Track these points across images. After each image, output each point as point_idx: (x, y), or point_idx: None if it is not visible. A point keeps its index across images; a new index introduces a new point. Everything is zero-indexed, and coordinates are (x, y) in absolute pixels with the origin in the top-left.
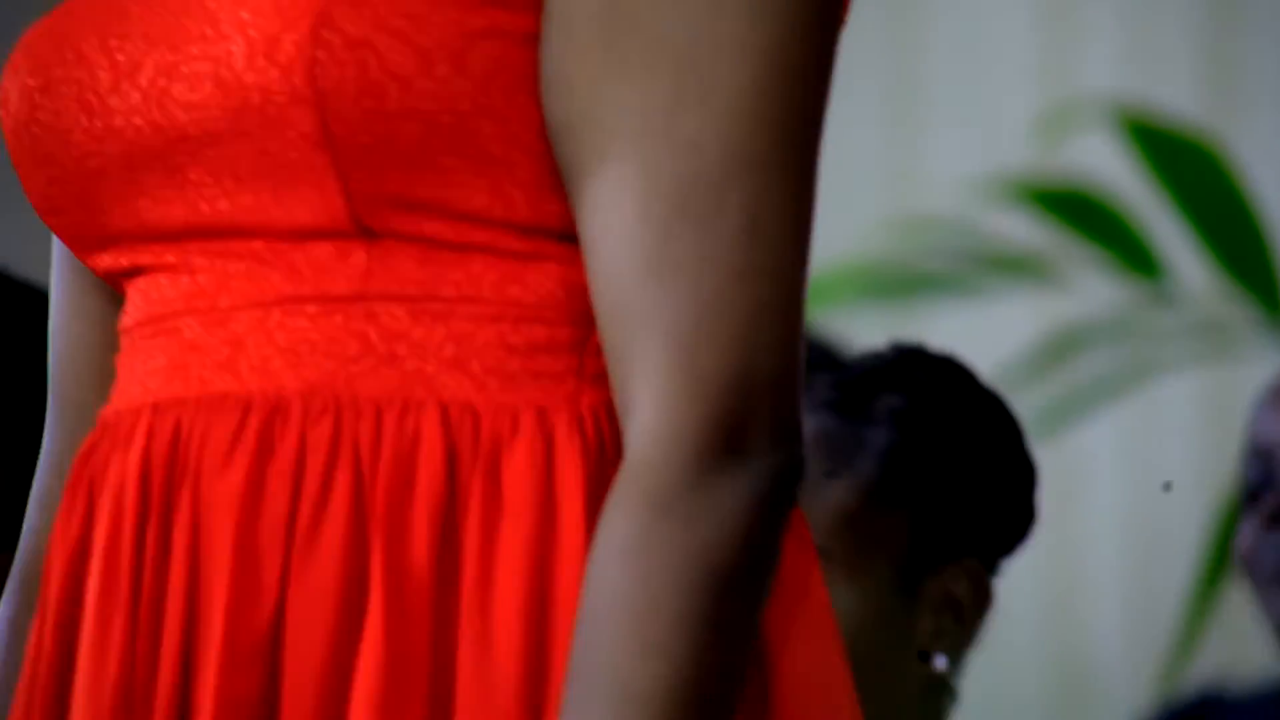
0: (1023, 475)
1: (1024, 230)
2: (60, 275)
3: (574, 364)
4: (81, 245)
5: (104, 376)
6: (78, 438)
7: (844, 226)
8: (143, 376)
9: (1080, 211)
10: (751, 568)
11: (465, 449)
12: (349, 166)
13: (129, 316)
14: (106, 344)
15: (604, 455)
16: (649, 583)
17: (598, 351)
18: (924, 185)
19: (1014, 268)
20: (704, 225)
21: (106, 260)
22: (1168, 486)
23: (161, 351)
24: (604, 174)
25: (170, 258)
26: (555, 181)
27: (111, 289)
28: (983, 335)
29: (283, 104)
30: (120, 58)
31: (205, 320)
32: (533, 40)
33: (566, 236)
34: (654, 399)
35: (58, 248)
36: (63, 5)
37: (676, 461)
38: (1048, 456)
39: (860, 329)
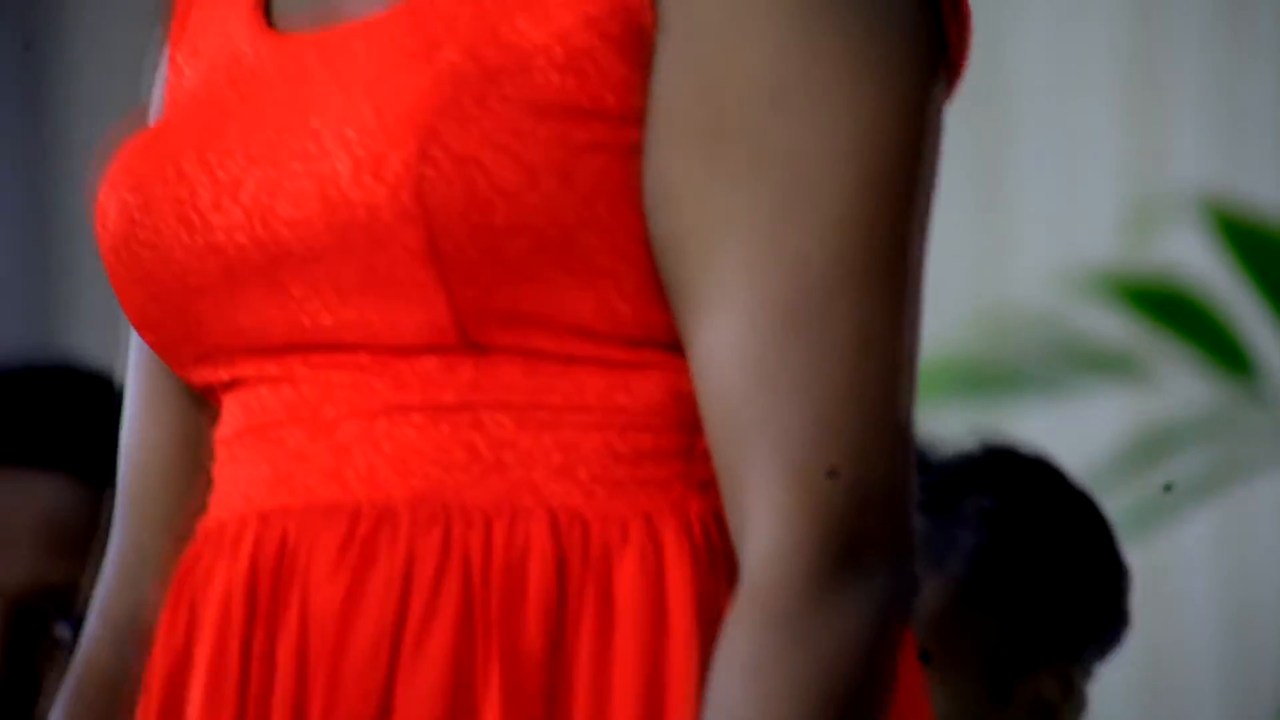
0: (1115, 576)
1: (1113, 326)
2: (137, 385)
3: (681, 471)
4: (178, 359)
5: (177, 486)
6: (144, 545)
7: (931, 322)
8: (246, 486)
9: (1170, 307)
10: (871, 683)
11: (575, 557)
12: (456, 282)
13: (228, 427)
14: (181, 453)
15: (713, 562)
16: (771, 702)
17: (704, 458)
18: (1011, 280)
19: (1103, 364)
20: (814, 338)
21: (204, 373)
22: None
23: (265, 461)
24: (711, 287)
25: (271, 369)
26: (660, 292)
27: (195, 400)
28: (1072, 433)
29: (389, 221)
30: (221, 174)
31: (309, 430)
32: (636, 152)
33: (671, 346)
34: (770, 516)
35: (134, 357)
36: (160, 122)
37: (796, 580)
38: (1139, 557)
39: (948, 426)
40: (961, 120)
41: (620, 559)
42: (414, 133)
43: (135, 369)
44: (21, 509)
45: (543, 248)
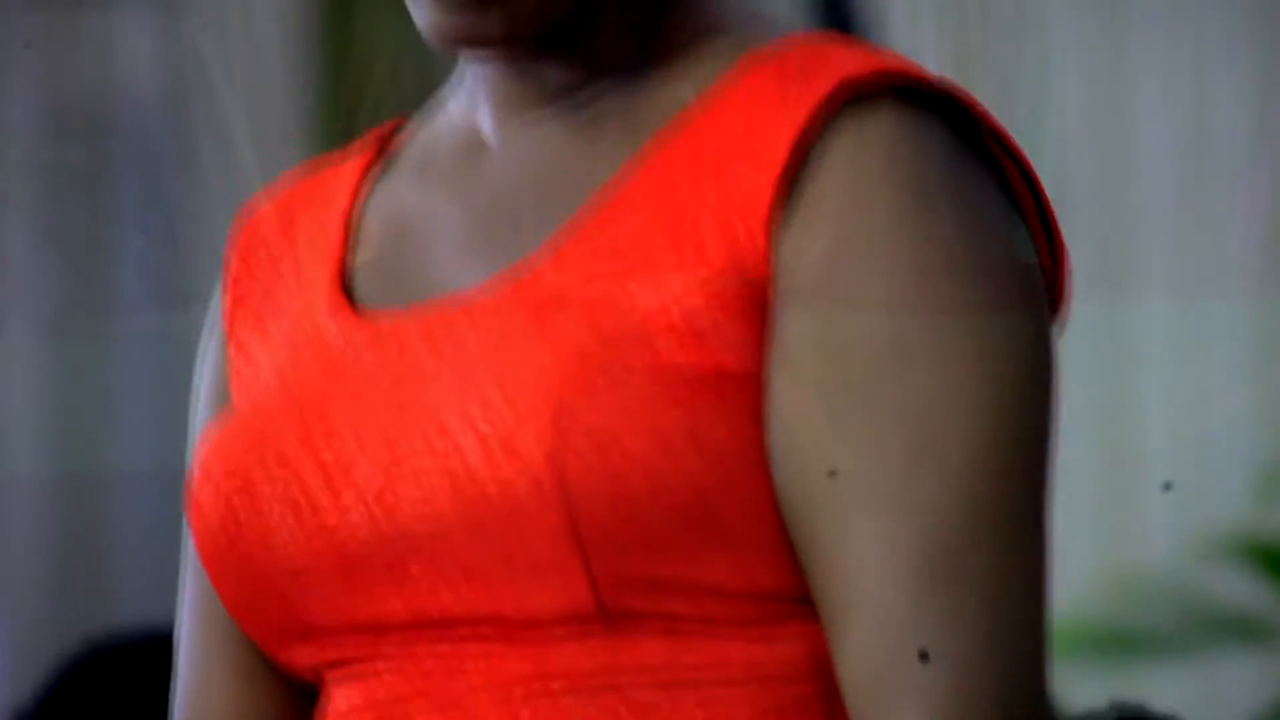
0: None
1: (1246, 590)
2: (204, 664)
3: None
4: (276, 640)
5: None
6: None
7: (1063, 584)
8: None
9: None
10: None
11: None
12: (595, 555)
13: (341, 703)
14: None
15: None
16: None
17: (845, 706)
18: (1142, 543)
19: (1237, 629)
20: (953, 591)
21: (306, 654)
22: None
23: None
24: (844, 545)
25: (386, 647)
26: (792, 547)
27: (279, 680)
28: (1206, 698)
29: (524, 498)
30: (328, 457)
31: (440, 705)
32: (758, 408)
33: (807, 599)
34: None
35: (200, 639)
36: (246, 406)
37: None
38: None
39: (1079, 689)
40: (1089, 384)
41: None
42: (546, 408)
43: (202, 648)
44: None
45: (679, 514)
